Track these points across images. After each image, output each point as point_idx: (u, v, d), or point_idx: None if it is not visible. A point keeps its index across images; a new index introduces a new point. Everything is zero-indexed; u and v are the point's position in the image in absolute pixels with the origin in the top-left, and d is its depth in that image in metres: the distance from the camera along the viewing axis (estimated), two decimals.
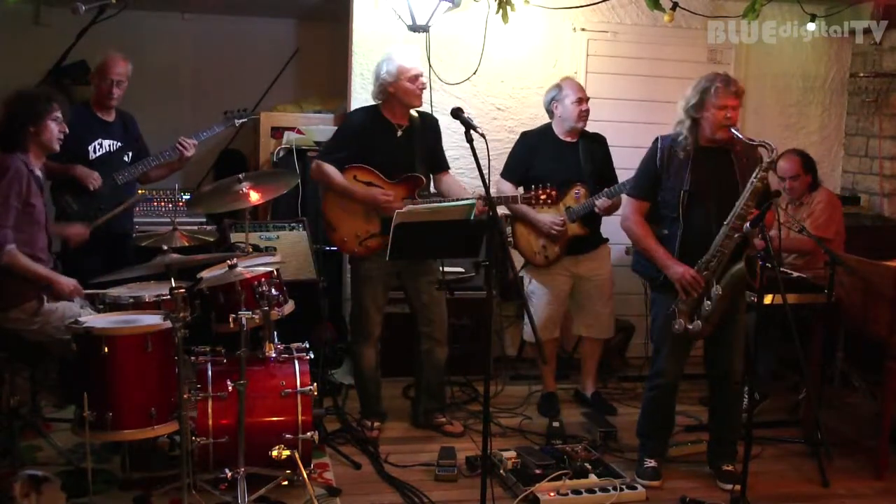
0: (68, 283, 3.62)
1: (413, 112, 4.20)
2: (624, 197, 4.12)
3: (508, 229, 4.64)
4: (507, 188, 4.52)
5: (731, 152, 3.64)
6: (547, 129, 4.55)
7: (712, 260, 3.57)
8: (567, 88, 4.45)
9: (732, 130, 3.53)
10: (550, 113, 4.54)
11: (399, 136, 4.15)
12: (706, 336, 3.73)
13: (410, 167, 4.13)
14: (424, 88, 4.14)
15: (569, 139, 4.49)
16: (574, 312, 4.72)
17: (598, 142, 4.58)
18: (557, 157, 4.46)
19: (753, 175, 3.51)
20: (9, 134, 3.61)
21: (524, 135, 4.66)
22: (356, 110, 4.41)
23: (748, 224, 3.51)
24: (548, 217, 4.43)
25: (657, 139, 3.75)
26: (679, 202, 3.63)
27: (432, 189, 4.35)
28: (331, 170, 4.11)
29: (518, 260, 4.56)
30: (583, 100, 4.43)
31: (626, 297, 5.15)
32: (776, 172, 4.60)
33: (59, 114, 3.66)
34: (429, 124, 4.29)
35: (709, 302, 3.57)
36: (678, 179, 3.65)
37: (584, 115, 4.44)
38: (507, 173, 4.57)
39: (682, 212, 3.63)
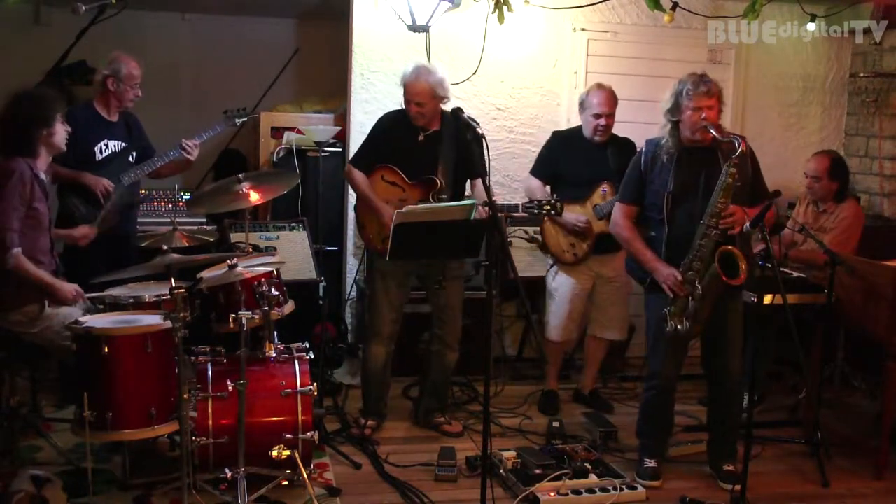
0: (70, 289, 3.59)
1: (449, 115, 3.88)
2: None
3: (535, 229, 4.67)
4: (536, 185, 4.58)
5: (717, 151, 3.63)
6: (578, 129, 4.58)
7: (694, 260, 3.57)
8: (592, 99, 4.44)
9: (710, 130, 3.52)
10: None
11: (421, 140, 4.14)
12: (696, 336, 3.73)
13: (433, 170, 4.11)
14: (415, 113, 4.08)
15: (597, 140, 4.49)
16: (590, 312, 4.72)
17: (627, 146, 4.53)
18: (585, 157, 4.48)
19: (723, 171, 3.50)
20: (20, 136, 3.55)
21: (555, 134, 4.72)
22: (388, 112, 4.39)
23: (748, 224, 3.51)
24: (571, 215, 4.44)
25: (645, 143, 3.78)
26: (664, 204, 3.64)
27: (467, 193, 4.33)
28: (358, 176, 4.17)
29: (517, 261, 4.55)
30: (601, 115, 4.40)
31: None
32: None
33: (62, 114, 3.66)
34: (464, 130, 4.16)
35: (693, 302, 3.57)
36: (662, 182, 3.67)
37: (599, 130, 4.43)
38: (536, 170, 4.62)
39: (666, 213, 3.65)
